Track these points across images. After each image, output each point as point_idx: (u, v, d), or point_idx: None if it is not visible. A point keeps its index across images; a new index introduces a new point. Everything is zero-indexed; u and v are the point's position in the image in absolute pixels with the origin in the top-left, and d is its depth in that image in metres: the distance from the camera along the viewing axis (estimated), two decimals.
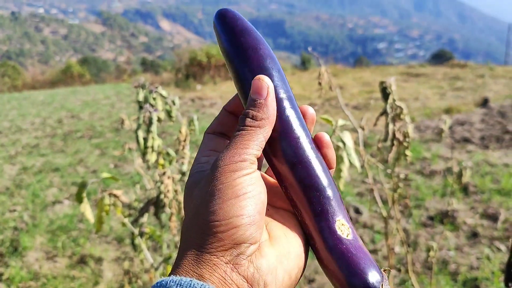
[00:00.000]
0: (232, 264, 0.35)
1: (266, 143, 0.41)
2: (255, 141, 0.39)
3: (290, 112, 0.42)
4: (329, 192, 0.40)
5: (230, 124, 0.47)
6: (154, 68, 23.62)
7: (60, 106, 9.93)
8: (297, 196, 0.40)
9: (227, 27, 0.45)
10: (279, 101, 0.42)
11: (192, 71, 13.82)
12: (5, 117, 8.90)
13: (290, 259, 0.38)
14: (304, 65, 19.67)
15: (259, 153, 0.39)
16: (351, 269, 0.37)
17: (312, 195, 0.39)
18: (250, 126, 0.40)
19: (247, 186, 0.37)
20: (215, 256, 0.35)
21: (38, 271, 2.83)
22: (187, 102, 9.50)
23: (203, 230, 0.36)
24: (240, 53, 0.43)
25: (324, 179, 0.40)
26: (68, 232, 3.36)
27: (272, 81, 0.42)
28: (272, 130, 0.41)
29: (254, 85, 0.41)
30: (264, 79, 0.41)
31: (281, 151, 0.41)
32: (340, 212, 0.39)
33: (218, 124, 0.47)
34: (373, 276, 0.36)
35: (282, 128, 0.41)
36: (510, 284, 0.61)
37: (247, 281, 0.35)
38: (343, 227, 0.39)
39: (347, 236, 0.38)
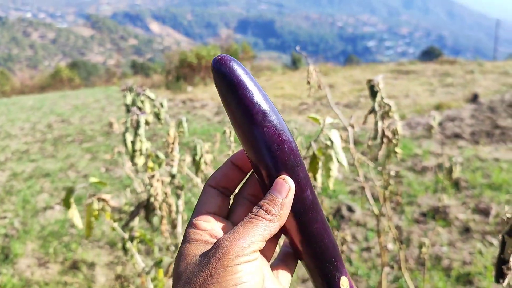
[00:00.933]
0: None
1: (290, 226, 0.45)
2: (262, 232, 0.40)
3: (312, 204, 0.45)
4: (338, 260, 0.48)
5: (235, 178, 0.47)
6: (144, 71, 23.55)
7: (49, 111, 9.85)
8: (312, 264, 0.47)
9: (241, 94, 0.40)
10: (303, 194, 0.44)
11: (182, 73, 13.78)
12: None
13: None
14: (295, 64, 19.72)
15: (262, 245, 0.40)
16: None
17: (326, 266, 0.47)
18: (261, 217, 0.41)
19: (246, 275, 0.38)
20: None
21: (30, 278, 2.80)
22: (178, 104, 9.47)
23: None
24: (263, 137, 0.42)
25: (335, 252, 0.48)
26: (59, 238, 3.33)
27: (297, 179, 0.44)
28: (297, 219, 0.44)
29: (277, 183, 0.43)
30: (288, 182, 0.43)
31: (305, 237, 0.46)
32: (342, 270, 0.48)
33: (223, 176, 0.46)
34: None
35: (307, 219, 0.45)
36: (501, 280, 0.60)
37: None
38: (344, 282, 0.48)
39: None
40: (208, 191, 0.46)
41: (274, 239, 0.48)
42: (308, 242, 0.46)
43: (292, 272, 0.49)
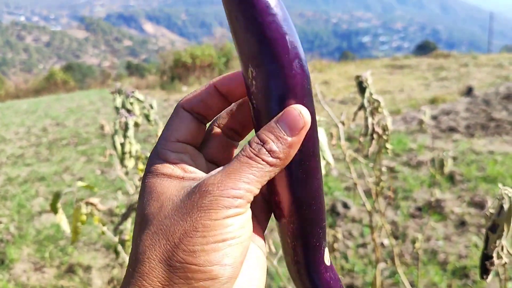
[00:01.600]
0: None
1: (285, 175, 0.35)
2: (260, 178, 0.32)
3: (317, 150, 0.36)
4: (326, 226, 0.39)
5: (216, 107, 0.38)
6: (139, 72, 23.51)
7: (44, 114, 9.82)
8: (298, 230, 0.38)
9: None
10: (314, 133, 0.35)
11: (177, 73, 13.76)
12: None
13: None
14: None
15: (257, 191, 0.32)
16: None
17: (316, 231, 0.38)
18: (262, 159, 0.32)
19: (237, 230, 0.31)
20: None
21: (26, 283, 2.79)
22: (172, 105, 9.45)
23: (174, 269, 0.29)
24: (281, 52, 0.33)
25: (325, 215, 0.39)
26: (55, 242, 3.32)
27: (312, 112, 0.34)
28: (299, 166, 0.35)
29: (289, 114, 0.32)
30: (304, 116, 0.33)
31: (303, 191, 0.36)
32: (325, 239, 0.40)
33: (201, 102, 0.37)
34: None
35: (309, 169, 0.36)
36: (484, 276, 0.60)
37: None
38: (326, 254, 0.40)
39: (328, 261, 0.40)
40: (180, 114, 0.37)
41: None
42: (306, 198, 0.36)
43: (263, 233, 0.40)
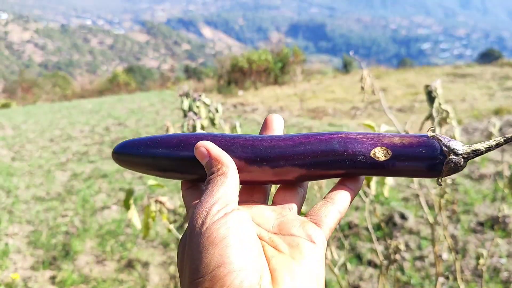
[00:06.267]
0: None
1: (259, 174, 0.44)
2: (221, 186, 0.39)
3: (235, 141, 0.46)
4: (349, 148, 0.44)
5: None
6: (196, 75, 24.02)
7: (107, 114, 10.26)
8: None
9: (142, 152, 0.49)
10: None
11: (233, 77, 13.96)
12: (56, 126, 9.28)
13: None
14: (346, 68, 19.47)
15: (231, 197, 0.39)
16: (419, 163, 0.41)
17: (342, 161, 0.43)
18: (212, 178, 0.41)
19: (224, 230, 0.34)
20: None
21: (88, 274, 2.93)
22: (229, 108, 9.60)
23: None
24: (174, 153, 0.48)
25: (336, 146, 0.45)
26: (116, 237, 3.46)
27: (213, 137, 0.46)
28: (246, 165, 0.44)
29: (196, 154, 0.44)
30: (198, 146, 0.44)
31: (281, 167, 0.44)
32: (362, 148, 0.43)
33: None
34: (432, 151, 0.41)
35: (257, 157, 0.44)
36: None
37: None
38: (378, 151, 0.42)
39: (385, 156, 0.42)
40: (186, 196, 0.48)
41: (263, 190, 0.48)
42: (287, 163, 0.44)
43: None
